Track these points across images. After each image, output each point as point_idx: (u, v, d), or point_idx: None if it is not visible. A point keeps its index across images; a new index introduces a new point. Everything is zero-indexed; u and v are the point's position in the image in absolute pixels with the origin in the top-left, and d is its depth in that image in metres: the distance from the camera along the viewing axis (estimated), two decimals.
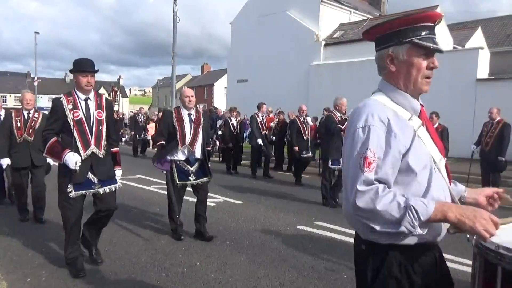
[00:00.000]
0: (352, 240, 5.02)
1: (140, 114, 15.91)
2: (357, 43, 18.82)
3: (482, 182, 7.79)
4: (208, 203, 6.68)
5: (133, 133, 15.37)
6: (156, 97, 66.23)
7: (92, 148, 3.51)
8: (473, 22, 25.06)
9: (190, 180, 4.66)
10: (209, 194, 5.06)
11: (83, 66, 3.47)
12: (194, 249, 4.36)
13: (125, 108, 57.03)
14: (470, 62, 14.35)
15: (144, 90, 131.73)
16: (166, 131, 4.67)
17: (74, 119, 3.43)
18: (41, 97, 50.63)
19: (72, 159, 3.30)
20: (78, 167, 3.34)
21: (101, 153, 3.56)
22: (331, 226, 5.38)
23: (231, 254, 4.27)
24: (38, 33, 34.59)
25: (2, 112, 6.27)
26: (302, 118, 9.22)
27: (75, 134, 3.43)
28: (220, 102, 41.27)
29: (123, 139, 20.11)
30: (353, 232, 5.30)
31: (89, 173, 3.51)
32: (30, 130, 5.27)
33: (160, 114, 13.37)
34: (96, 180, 3.54)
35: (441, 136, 8.14)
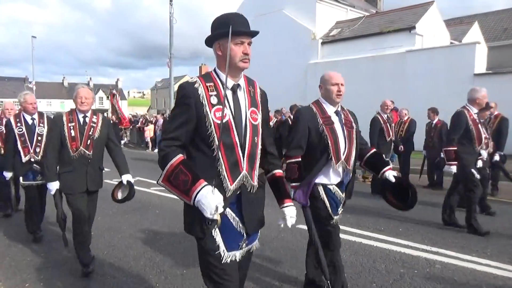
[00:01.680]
0: (353, 238, 5.04)
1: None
2: (354, 40, 18.83)
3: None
4: None
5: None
6: (155, 99, 66.22)
7: (243, 175, 1.98)
8: (469, 17, 25.08)
9: (338, 214, 3.11)
10: None
11: (237, 25, 1.91)
12: (192, 251, 4.33)
13: (124, 110, 56.93)
14: (468, 57, 14.35)
15: (143, 92, 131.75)
16: (305, 138, 2.95)
17: (217, 121, 1.87)
18: (40, 101, 50.56)
19: (211, 202, 1.76)
20: (218, 216, 1.79)
21: (254, 186, 2.10)
22: None
23: None
24: (35, 37, 34.68)
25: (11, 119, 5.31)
26: (386, 115, 7.63)
27: (220, 151, 1.88)
28: None
29: (122, 142, 20.11)
30: (353, 230, 5.33)
31: (237, 219, 2.04)
32: (88, 141, 3.66)
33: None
34: (244, 234, 2.08)
35: (441, 132, 8.14)
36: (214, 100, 1.91)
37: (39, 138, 4.70)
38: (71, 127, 3.64)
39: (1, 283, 3.53)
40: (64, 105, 56.70)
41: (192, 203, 1.81)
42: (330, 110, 3.02)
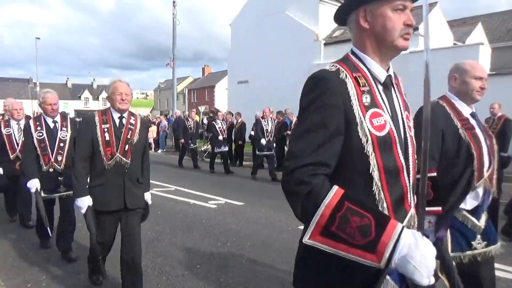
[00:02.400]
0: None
1: (189, 119, 12.86)
2: None
3: None
4: (209, 205, 6.71)
5: (182, 140, 12.97)
6: (158, 100, 66.33)
7: (411, 216, 1.30)
8: (473, 18, 24.97)
9: (475, 249, 2.21)
10: (210, 196, 4.96)
11: None
12: (195, 252, 4.34)
13: None
14: (471, 58, 14.14)
15: (146, 93, 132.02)
16: (438, 147, 2.16)
17: (377, 133, 1.22)
18: None
19: (429, 255, 1.03)
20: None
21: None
22: None
23: (232, 256, 4.25)
24: (39, 38, 34.80)
25: (22, 122, 5.13)
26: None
27: (380, 180, 1.21)
28: (222, 103, 41.30)
29: None
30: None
31: None
32: (126, 147, 3.01)
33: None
34: None
35: None
36: (366, 99, 1.24)
37: (61, 144, 4.03)
38: (105, 130, 2.99)
39: (3, 284, 3.54)
40: (67, 106, 56.91)
41: (386, 263, 1.03)
42: (465, 110, 2.26)
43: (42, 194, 3.91)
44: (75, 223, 4.22)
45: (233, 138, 12.94)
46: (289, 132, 11.41)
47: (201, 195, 7.39)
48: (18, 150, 5.05)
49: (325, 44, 19.96)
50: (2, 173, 5.08)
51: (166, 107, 54.07)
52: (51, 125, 4.06)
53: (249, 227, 5.37)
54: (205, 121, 19.01)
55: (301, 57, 20.03)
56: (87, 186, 3.00)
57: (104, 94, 64.46)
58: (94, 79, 72.46)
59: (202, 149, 14.88)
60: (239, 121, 12.92)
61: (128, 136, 3.05)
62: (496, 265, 3.91)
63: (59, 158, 3.99)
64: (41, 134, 3.97)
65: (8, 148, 5.06)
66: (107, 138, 2.98)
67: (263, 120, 10.32)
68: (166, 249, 4.42)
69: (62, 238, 4.12)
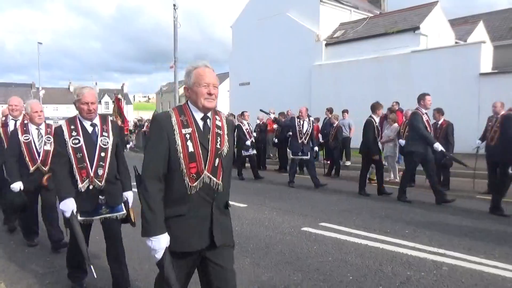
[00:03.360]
0: (359, 240, 4.98)
1: (244, 122, 10.78)
2: (358, 41, 18.78)
3: (488, 178, 7.69)
4: None
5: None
6: (160, 103, 66.46)
7: None
8: (474, 17, 24.89)
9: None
10: None
11: None
12: None
13: (129, 115, 57.31)
14: (473, 56, 14.25)
15: (148, 96, 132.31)
16: None
17: None
18: (46, 107, 51.02)
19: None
20: None
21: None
22: (336, 227, 5.32)
23: (235, 257, 4.20)
24: (41, 43, 34.98)
25: (43, 126, 4.46)
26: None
27: None
28: (223, 105, 41.27)
29: (128, 146, 20.20)
30: (359, 232, 5.28)
31: None
32: (217, 161, 2.11)
33: None
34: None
35: (446, 132, 8.06)
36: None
37: (102, 153, 3.17)
38: (187, 136, 2.05)
39: None
40: (69, 110, 57.14)
41: None
42: None
43: (79, 218, 3.07)
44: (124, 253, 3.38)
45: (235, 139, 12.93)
46: (291, 133, 11.38)
47: None
48: (39, 161, 4.31)
49: (327, 45, 19.95)
50: (21, 188, 4.26)
51: (168, 109, 54.15)
52: (89, 129, 3.20)
53: (252, 229, 5.35)
54: None
55: (302, 58, 20.03)
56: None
57: (106, 98, 64.95)
58: (96, 83, 72.53)
59: None
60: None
61: (218, 145, 2.12)
62: (502, 265, 3.89)
63: (100, 171, 3.13)
64: (77, 141, 3.10)
65: (27, 159, 4.27)
66: (191, 149, 2.03)
67: (299, 120, 9.05)
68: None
69: (116, 276, 3.31)
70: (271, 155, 13.91)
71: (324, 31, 20.55)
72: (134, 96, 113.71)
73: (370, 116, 7.77)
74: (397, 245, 4.57)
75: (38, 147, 4.35)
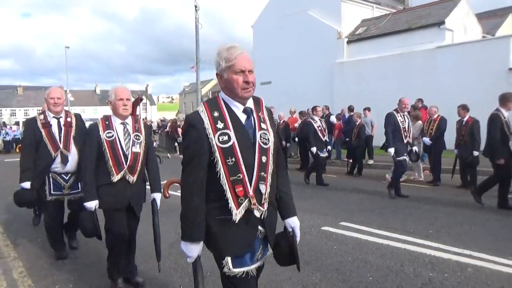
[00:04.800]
0: (380, 240, 4.90)
1: (316, 118, 9.05)
2: (381, 38, 18.46)
3: None
4: None
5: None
6: (183, 103, 67.30)
7: None
8: (503, 10, 24.00)
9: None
10: None
11: None
12: None
13: (153, 115, 58.41)
14: (502, 50, 13.77)
15: (171, 97, 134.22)
16: None
17: None
18: (74, 109, 52.61)
19: None
20: None
21: None
22: (357, 227, 5.25)
23: None
24: (68, 47, 36.05)
25: (100, 124, 3.42)
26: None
27: None
28: None
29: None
30: (380, 232, 5.17)
31: None
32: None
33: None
34: None
35: (472, 130, 7.79)
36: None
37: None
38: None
39: (33, 286, 3.66)
40: (97, 111, 58.65)
41: None
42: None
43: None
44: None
45: None
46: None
47: None
48: (126, 167, 3.27)
49: (348, 42, 19.71)
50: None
51: (191, 110, 54.74)
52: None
53: None
54: None
55: (324, 56, 19.86)
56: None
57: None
58: (121, 85, 74.24)
59: None
60: None
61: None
62: (495, 259, 3.74)
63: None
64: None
65: (110, 163, 3.22)
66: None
67: (399, 115, 7.19)
68: None
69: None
70: (292, 154, 13.85)
71: (346, 28, 20.31)
72: (158, 97, 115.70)
73: (497, 109, 6.38)
74: (419, 245, 4.46)
75: (125, 148, 3.28)
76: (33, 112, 62.38)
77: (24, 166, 4.02)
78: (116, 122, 3.31)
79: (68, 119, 4.13)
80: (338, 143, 12.56)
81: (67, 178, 4.11)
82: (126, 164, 3.24)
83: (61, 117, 4.11)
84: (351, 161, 10.98)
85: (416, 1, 22.65)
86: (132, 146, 3.29)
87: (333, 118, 12.95)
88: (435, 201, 6.77)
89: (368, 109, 11.85)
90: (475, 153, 7.62)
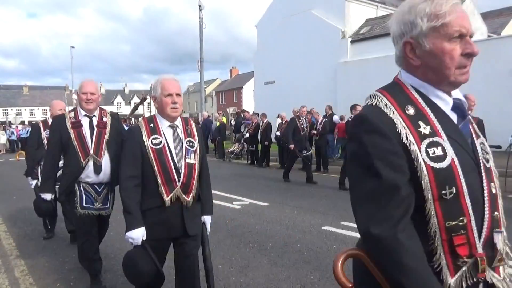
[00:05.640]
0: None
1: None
2: (385, 37, 18.36)
3: None
4: (233, 206, 6.75)
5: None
6: (187, 103, 67.46)
7: None
8: (508, 9, 23.82)
9: None
10: (235, 196, 4.88)
11: None
12: (217, 252, 4.36)
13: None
14: (507, 50, 13.66)
15: None
16: None
17: None
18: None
19: None
20: None
21: None
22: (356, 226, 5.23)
23: (253, 256, 4.25)
24: (73, 47, 36.28)
25: (142, 125, 2.73)
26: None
27: None
28: (249, 104, 41.45)
29: None
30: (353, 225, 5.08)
31: None
32: None
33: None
34: None
35: (478, 129, 7.77)
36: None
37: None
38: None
39: (34, 283, 3.70)
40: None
41: None
42: None
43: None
44: None
45: (259, 138, 12.99)
46: (314, 132, 11.30)
47: (226, 196, 7.46)
48: (179, 184, 2.45)
49: (352, 42, 19.65)
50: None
51: (195, 109, 54.88)
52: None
53: (272, 228, 5.35)
54: (233, 122, 19.17)
55: (327, 55, 19.82)
56: None
57: (136, 99, 66.52)
58: (126, 85, 74.76)
59: (229, 150, 15.00)
60: (264, 121, 12.95)
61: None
62: None
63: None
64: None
65: (159, 180, 2.41)
66: None
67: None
68: None
69: None
70: None
71: (350, 27, 20.25)
72: None
73: None
74: None
75: (176, 159, 2.45)
76: (38, 112, 62.87)
77: (47, 174, 3.49)
78: (164, 125, 2.47)
79: (104, 119, 3.40)
80: (342, 142, 12.54)
81: (100, 189, 3.34)
82: (179, 180, 2.40)
83: (94, 116, 3.36)
84: None
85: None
86: (185, 155, 2.46)
87: (336, 118, 12.94)
88: None
89: None
90: None
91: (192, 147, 2.51)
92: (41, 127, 4.87)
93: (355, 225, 4.25)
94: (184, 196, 2.43)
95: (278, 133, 12.50)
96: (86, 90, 3.29)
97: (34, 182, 4.87)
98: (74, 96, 37.59)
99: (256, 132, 13.10)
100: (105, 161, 3.28)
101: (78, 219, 3.34)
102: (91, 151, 3.24)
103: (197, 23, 19.99)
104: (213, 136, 16.28)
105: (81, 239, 3.44)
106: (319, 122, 11.39)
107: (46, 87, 69.70)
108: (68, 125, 3.28)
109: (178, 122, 2.53)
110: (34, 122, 5.44)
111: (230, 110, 29.11)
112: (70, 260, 4.25)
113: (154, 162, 2.37)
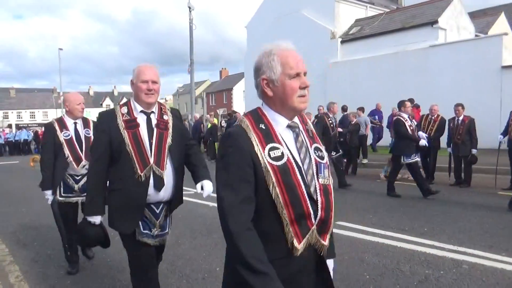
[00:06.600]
0: (374, 239, 4.93)
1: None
2: (374, 37, 18.55)
3: (511, 173, 7.49)
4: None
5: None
6: (177, 104, 67.16)
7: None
8: (495, 8, 24.23)
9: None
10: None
11: None
12: (215, 255, 4.35)
13: None
14: (494, 49, 13.88)
15: (165, 98, 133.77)
16: None
17: None
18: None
19: None
20: None
21: None
22: (352, 226, 5.27)
23: None
24: (61, 49, 35.84)
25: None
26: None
27: None
28: (240, 106, 41.45)
29: None
30: (376, 230, 5.21)
31: None
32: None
33: None
34: None
35: (469, 127, 7.88)
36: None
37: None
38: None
39: None
40: (90, 114, 58.27)
41: None
42: None
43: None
44: None
45: None
46: None
47: None
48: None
49: (342, 42, 19.78)
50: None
51: (185, 111, 54.66)
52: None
53: None
54: (224, 123, 19.13)
55: (318, 56, 19.90)
56: None
57: (124, 100, 65.76)
58: (114, 87, 74.17)
59: None
60: None
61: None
62: (489, 255, 3.78)
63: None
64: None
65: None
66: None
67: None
68: (186, 252, 4.46)
69: None
70: None
71: (340, 28, 20.38)
72: None
73: None
74: (415, 243, 4.50)
75: (308, 179, 1.49)
76: (26, 115, 61.92)
77: (93, 190, 2.51)
78: (279, 125, 1.50)
79: (164, 117, 2.58)
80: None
81: (158, 210, 2.54)
82: (315, 216, 1.44)
83: (152, 112, 2.54)
84: (345, 160, 11.02)
85: (409, 1, 22.81)
86: (317, 173, 1.49)
87: None
88: (429, 199, 6.82)
89: (362, 109, 11.90)
90: (474, 151, 7.78)
91: (322, 158, 1.55)
92: (57, 127, 3.83)
93: (350, 225, 4.34)
94: (320, 238, 1.48)
95: None
96: (147, 77, 2.47)
97: (51, 197, 3.81)
98: (61, 99, 37.10)
99: None
100: (168, 173, 2.51)
101: (133, 253, 2.50)
102: (151, 160, 2.44)
103: (185, 24, 19.93)
104: (204, 138, 16.25)
105: (138, 280, 2.56)
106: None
107: (33, 90, 68.71)
108: (121, 124, 2.44)
109: (296, 120, 1.56)
110: (45, 122, 4.62)
111: (221, 111, 29.00)
112: (65, 265, 4.20)
113: (278, 188, 1.38)
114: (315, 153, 1.53)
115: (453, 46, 15.31)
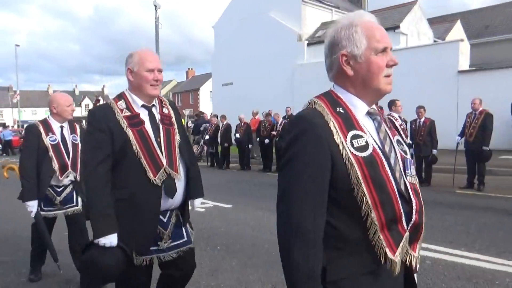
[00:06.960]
0: None
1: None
2: None
3: (468, 173, 7.90)
4: (197, 209, 6.64)
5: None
6: None
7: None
8: (452, 15, 25.48)
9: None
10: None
11: None
12: (221, 261, 4.23)
13: None
14: (451, 54, 14.57)
15: None
16: None
17: None
18: (24, 111, 49.83)
19: None
20: None
21: None
22: None
23: (222, 259, 4.23)
24: (18, 45, 34.16)
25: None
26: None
27: None
28: (207, 106, 41.17)
29: None
30: None
31: None
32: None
33: None
34: None
35: (430, 129, 8.25)
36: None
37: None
38: None
39: None
40: (48, 113, 55.79)
41: None
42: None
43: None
44: None
45: (219, 140, 12.94)
46: (274, 133, 11.45)
47: None
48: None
49: (309, 44, 20.10)
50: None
51: None
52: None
53: (239, 230, 5.36)
54: (190, 124, 18.96)
55: (284, 57, 20.13)
56: None
57: (87, 101, 63.89)
58: (75, 86, 71.59)
59: None
60: (224, 123, 12.93)
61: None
62: (483, 257, 4.00)
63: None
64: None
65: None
66: None
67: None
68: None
69: None
70: (255, 156, 13.94)
71: (306, 30, 20.71)
72: None
73: None
74: None
75: (397, 177, 1.25)
76: None
77: (101, 200, 1.98)
78: (357, 110, 1.25)
79: (165, 110, 2.26)
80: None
81: (166, 219, 2.18)
82: (408, 220, 1.20)
83: (153, 105, 2.21)
84: None
85: (372, 6, 23.52)
86: (404, 170, 1.25)
87: None
88: None
89: None
90: (434, 151, 8.15)
91: (406, 153, 1.30)
92: (41, 129, 3.40)
93: None
94: (410, 249, 1.21)
95: (238, 135, 12.53)
96: (154, 65, 2.10)
97: (35, 209, 3.29)
98: (18, 98, 35.37)
99: (215, 134, 13.05)
100: (180, 176, 2.18)
101: (130, 271, 2.05)
102: (164, 161, 2.09)
103: (151, 22, 19.57)
104: None
105: None
106: (279, 123, 11.55)
107: None
108: (122, 121, 2.05)
109: (374, 107, 1.31)
110: (28, 123, 4.11)
111: (187, 111, 28.70)
112: (49, 276, 4.01)
113: (364, 185, 1.13)
114: (398, 146, 1.28)
115: (414, 51, 15.94)
